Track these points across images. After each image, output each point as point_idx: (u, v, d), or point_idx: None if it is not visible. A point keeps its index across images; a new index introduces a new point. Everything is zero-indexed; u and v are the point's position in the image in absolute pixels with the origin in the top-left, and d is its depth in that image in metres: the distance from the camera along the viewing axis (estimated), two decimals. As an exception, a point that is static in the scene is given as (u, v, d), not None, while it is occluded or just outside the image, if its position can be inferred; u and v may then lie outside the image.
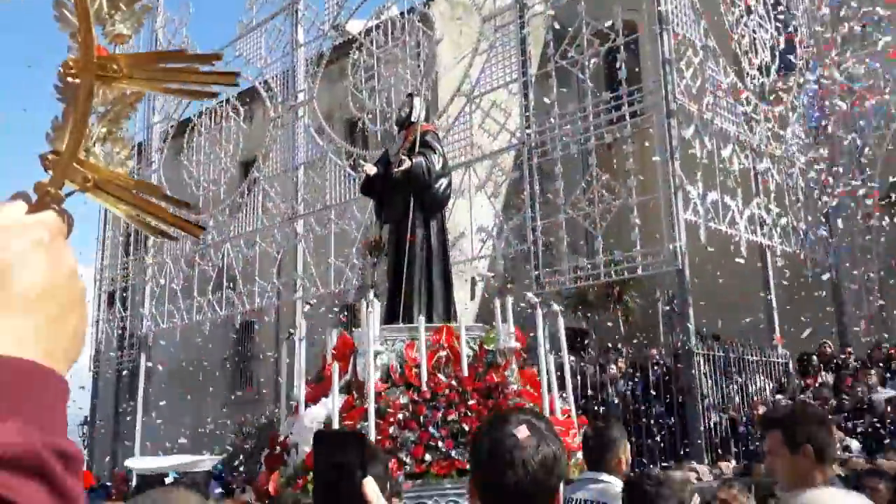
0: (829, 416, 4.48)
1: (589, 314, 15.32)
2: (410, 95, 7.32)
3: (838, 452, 6.61)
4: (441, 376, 5.64)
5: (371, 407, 5.31)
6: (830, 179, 13.24)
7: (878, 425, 9.17)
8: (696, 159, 10.98)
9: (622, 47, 11.28)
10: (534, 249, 11.64)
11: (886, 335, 12.25)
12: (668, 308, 13.67)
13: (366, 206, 11.16)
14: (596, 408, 10.53)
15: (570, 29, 11.98)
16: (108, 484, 14.99)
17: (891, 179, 12.56)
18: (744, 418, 10.76)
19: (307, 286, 14.14)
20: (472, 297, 12.33)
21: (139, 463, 12.80)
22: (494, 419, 1.60)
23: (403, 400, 5.47)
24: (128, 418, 17.06)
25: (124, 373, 17.68)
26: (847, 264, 13.29)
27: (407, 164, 6.38)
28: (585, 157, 11.86)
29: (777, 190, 12.38)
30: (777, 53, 13.23)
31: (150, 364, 17.01)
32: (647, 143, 11.74)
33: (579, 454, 3.78)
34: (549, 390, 5.80)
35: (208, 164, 16.71)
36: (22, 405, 0.55)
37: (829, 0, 13.48)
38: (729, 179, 11.36)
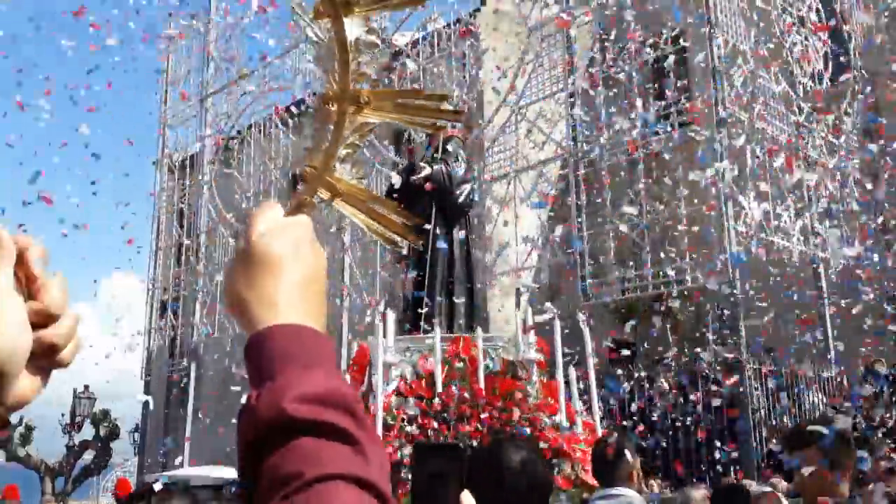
0: (884, 436, 4.33)
1: (636, 326, 15.10)
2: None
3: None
4: (454, 388, 5.55)
5: (379, 418, 5.24)
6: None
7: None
8: (747, 169, 10.79)
9: (671, 56, 11.16)
10: (580, 260, 11.54)
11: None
12: (717, 320, 13.41)
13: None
14: (641, 421, 10.36)
15: (616, 38, 11.89)
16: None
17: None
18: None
19: (353, 297, 14.23)
20: (518, 308, 12.26)
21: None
22: (491, 443, 1.69)
23: (412, 412, 5.39)
24: (177, 426, 17.34)
25: (180, 381, 17.99)
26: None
27: (427, 170, 6.35)
28: (633, 167, 11.74)
29: (831, 201, 12.09)
30: (830, 61, 12.94)
31: (199, 372, 17.28)
32: (697, 152, 11.56)
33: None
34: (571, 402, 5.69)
35: (258, 176, 16.96)
36: (321, 360, 0.74)
37: (882, 6, 13.15)
38: (781, 189, 11.13)
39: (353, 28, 0.93)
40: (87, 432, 19.75)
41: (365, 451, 0.68)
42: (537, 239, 12.24)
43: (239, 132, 17.66)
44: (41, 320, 0.72)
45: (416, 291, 6.40)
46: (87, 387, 20.13)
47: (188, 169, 18.48)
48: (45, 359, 0.73)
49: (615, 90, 12.68)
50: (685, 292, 12.80)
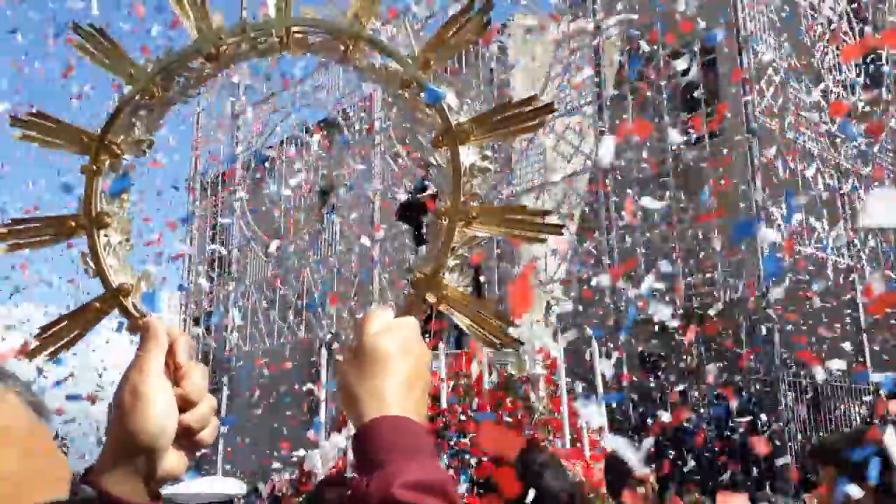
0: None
1: (668, 339, 14.98)
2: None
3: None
4: (457, 404, 5.55)
5: None
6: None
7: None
8: (779, 179, 10.70)
9: (700, 68, 11.12)
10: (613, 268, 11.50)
11: None
12: (751, 333, 13.25)
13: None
14: (673, 436, 10.26)
15: (645, 50, 11.88)
16: None
17: None
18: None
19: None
20: (547, 322, 12.24)
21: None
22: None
23: None
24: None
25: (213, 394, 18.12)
26: (944, 287, 12.66)
27: (433, 188, 6.40)
28: (663, 178, 11.69)
29: (865, 210, 11.92)
30: (862, 70, 12.80)
31: (232, 385, 17.43)
32: (728, 163, 11.49)
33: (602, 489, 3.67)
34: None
35: (289, 192, 17.13)
36: (423, 450, 0.84)
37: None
38: (814, 200, 11.01)
39: (469, 155, 1.06)
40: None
41: None
42: (567, 252, 12.22)
43: (270, 148, 17.86)
44: (183, 405, 0.84)
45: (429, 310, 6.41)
46: (122, 401, 20.37)
47: (220, 185, 18.73)
48: (185, 439, 0.85)
49: (644, 102, 12.65)
50: (717, 304, 12.68)
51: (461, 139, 1.06)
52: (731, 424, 10.64)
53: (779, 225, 10.45)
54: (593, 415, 5.66)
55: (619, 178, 11.83)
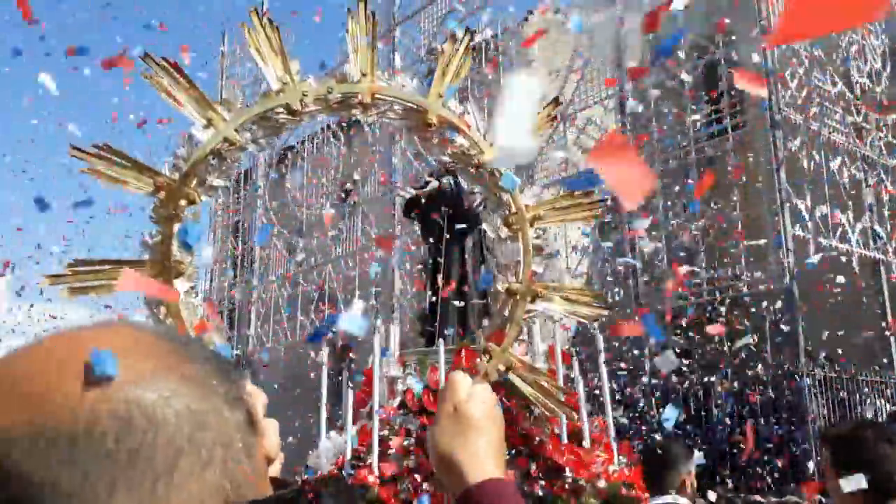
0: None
1: (691, 333, 14.88)
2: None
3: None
4: None
5: (375, 434, 5.25)
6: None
7: None
8: (804, 172, 10.58)
9: (722, 59, 11.02)
10: (634, 269, 11.44)
11: None
12: (775, 327, 13.14)
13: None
14: (697, 431, 10.20)
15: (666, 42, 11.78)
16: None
17: None
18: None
19: (404, 307, 14.32)
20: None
21: None
22: None
23: (412, 426, 5.39)
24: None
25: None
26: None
27: (433, 183, 6.37)
28: (685, 172, 11.60)
29: (892, 202, 11.76)
30: (889, 59, 12.62)
31: (254, 381, 17.54)
32: (750, 156, 11.38)
33: (601, 482, 3.64)
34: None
35: (310, 188, 17.20)
36: None
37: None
38: (839, 192, 10.88)
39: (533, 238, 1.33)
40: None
41: None
42: (588, 246, 12.16)
43: (292, 147, 17.94)
44: None
45: (430, 302, 6.40)
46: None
47: (242, 182, 18.84)
48: None
49: (666, 94, 12.56)
50: (741, 298, 12.58)
51: (531, 221, 1.35)
52: (753, 420, 10.56)
53: (803, 218, 10.34)
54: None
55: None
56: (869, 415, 10.82)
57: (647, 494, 3.17)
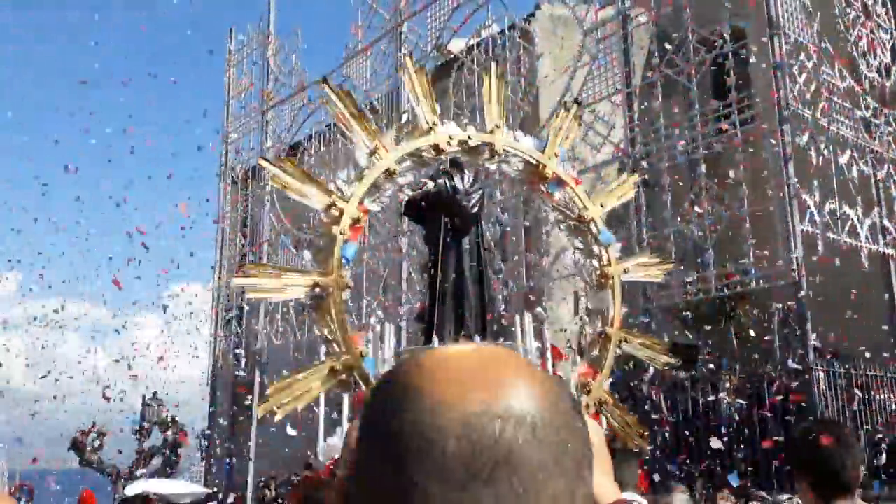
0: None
1: (699, 330, 14.85)
2: (458, 115, 7.39)
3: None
4: None
5: None
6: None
7: None
8: (812, 167, 10.54)
9: (730, 54, 10.98)
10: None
11: None
12: (784, 323, 13.10)
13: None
14: (702, 428, 10.18)
15: (675, 37, 11.74)
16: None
17: None
18: (866, 439, 10.17)
19: (413, 303, 14.33)
20: (576, 313, 12.17)
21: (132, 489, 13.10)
22: None
23: None
24: (242, 432, 17.67)
25: (244, 388, 18.34)
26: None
27: (429, 184, 6.41)
28: (694, 168, 11.57)
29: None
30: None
31: (263, 379, 17.59)
32: (757, 152, 11.34)
33: None
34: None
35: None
36: None
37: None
38: (848, 187, 10.84)
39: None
40: (156, 438, 20.28)
41: None
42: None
43: (299, 143, 17.97)
44: None
45: (429, 302, 6.47)
46: (155, 394, 20.67)
47: (250, 180, 18.89)
48: None
49: (674, 91, 12.52)
50: (750, 294, 12.54)
51: (619, 275, 1.54)
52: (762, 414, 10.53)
53: (811, 213, 10.30)
54: None
55: (649, 166, 11.72)
56: (875, 409, 10.78)
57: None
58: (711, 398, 10.99)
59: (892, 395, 11.12)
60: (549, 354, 5.96)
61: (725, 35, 11.09)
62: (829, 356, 10.76)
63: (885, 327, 12.15)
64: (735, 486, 8.72)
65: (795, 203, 10.16)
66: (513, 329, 6.08)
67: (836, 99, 11.25)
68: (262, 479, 15.73)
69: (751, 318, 14.66)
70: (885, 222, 11.32)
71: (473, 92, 14.11)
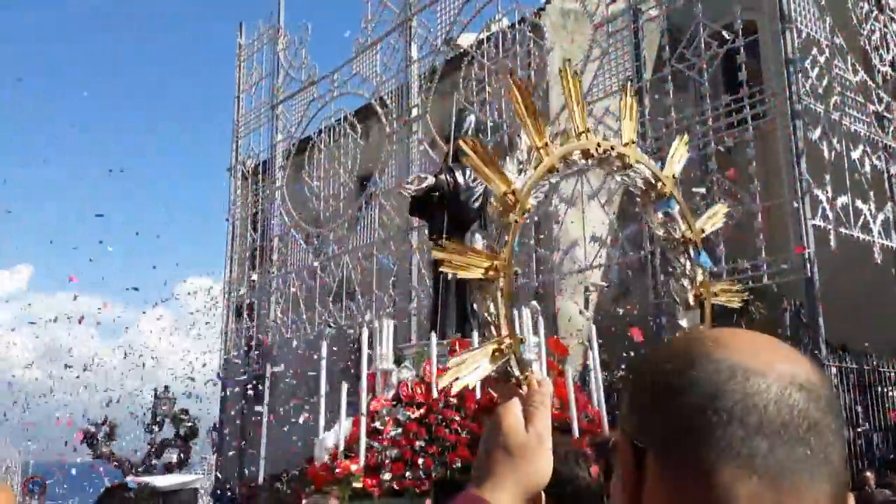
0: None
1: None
2: (461, 111, 7.40)
3: None
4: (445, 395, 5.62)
5: (363, 425, 5.31)
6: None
7: None
8: (824, 162, 10.47)
9: (742, 49, 10.91)
10: (650, 258, 11.38)
11: None
12: (795, 318, 13.03)
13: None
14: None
15: (686, 31, 11.68)
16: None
17: None
18: (879, 434, 10.13)
19: (422, 297, 14.34)
20: (587, 307, 12.16)
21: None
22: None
23: (402, 417, 5.47)
24: (254, 425, 17.74)
25: (255, 381, 18.41)
26: None
27: (429, 180, 6.42)
28: (705, 162, 11.51)
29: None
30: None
31: (275, 371, 17.65)
32: (769, 146, 11.28)
33: None
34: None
35: (328, 180, 17.23)
36: None
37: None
38: (860, 182, 10.77)
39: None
40: (168, 431, 20.41)
41: None
42: (606, 237, 12.11)
43: (309, 138, 17.99)
44: None
45: (434, 298, 6.52)
46: (167, 387, 20.80)
47: (261, 175, 18.92)
48: None
49: (685, 86, 12.46)
50: (761, 289, 12.47)
51: (710, 298, 1.38)
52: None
53: (823, 208, 10.24)
54: None
55: (660, 161, 11.66)
56: (887, 404, 10.72)
57: None
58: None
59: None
60: (544, 348, 5.98)
61: (737, 28, 11.02)
62: (840, 351, 10.71)
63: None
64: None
65: (807, 198, 10.11)
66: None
67: (848, 93, 11.17)
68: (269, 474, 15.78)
69: (762, 313, 14.60)
70: (898, 217, 11.25)
71: (483, 86, 14.09)
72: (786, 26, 10.66)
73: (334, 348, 17.40)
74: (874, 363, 10.88)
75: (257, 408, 17.29)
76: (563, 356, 6.36)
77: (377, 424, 5.62)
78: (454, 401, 5.57)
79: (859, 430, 10.22)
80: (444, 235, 6.43)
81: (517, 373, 1.06)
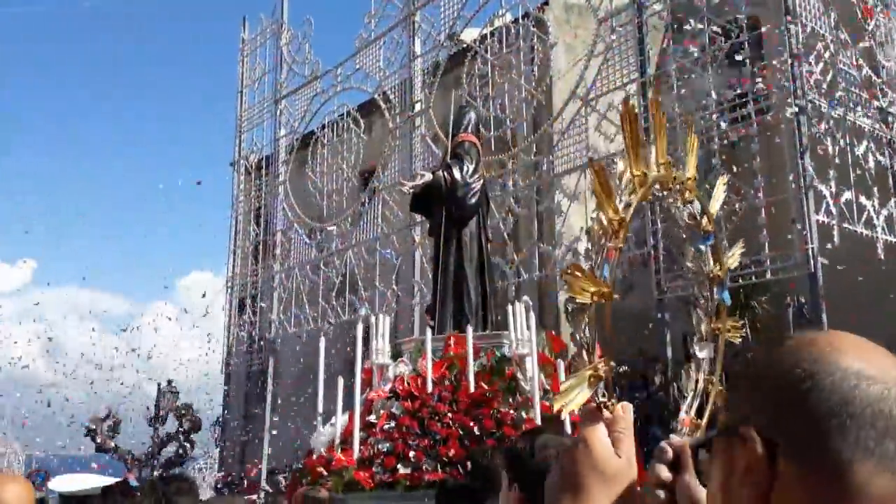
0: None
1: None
2: (462, 108, 7.40)
3: None
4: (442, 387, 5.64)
5: (357, 419, 5.34)
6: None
7: None
8: (828, 157, 10.44)
9: (746, 43, 10.88)
10: (654, 254, 11.37)
11: None
12: (798, 314, 13.01)
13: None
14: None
15: (690, 26, 11.64)
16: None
17: None
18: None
19: (424, 293, 14.35)
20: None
21: (62, 485, 12.65)
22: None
23: (397, 411, 5.50)
24: (257, 420, 17.78)
25: (259, 376, 18.44)
26: None
27: (426, 177, 6.43)
28: (708, 158, 11.49)
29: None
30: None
31: (277, 367, 17.68)
32: (773, 141, 11.25)
33: None
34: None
35: (331, 175, 17.23)
36: None
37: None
38: (864, 177, 10.74)
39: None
40: (171, 425, 20.46)
41: None
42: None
43: (312, 133, 17.98)
44: None
45: (433, 292, 6.54)
46: (170, 381, 20.85)
47: (264, 169, 18.93)
48: None
49: (688, 79, 12.42)
50: (765, 285, 12.45)
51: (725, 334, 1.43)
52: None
53: (827, 203, 10.22)
54: None
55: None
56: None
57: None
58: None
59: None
60: (536, 343, 6.00)
61: (741, 23, 10.98)
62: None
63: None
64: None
65: (811, 193, 10.09)
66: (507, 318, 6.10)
67: (853, 89, 11.13)
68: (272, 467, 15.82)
69: (765, 308, 14.59)
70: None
71: (486, 81, 14.07)
72: (790, 21, 10.63)
73: (337, 345, 17.45)
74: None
75: (260, 402, 17.33)
76: (560, 350, 6.38)
77: (372, 418, 5.65)
78: (447, 394, 5.60)
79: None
80: (441, 231, 6.44)
81: (603, 398, 1.09)
